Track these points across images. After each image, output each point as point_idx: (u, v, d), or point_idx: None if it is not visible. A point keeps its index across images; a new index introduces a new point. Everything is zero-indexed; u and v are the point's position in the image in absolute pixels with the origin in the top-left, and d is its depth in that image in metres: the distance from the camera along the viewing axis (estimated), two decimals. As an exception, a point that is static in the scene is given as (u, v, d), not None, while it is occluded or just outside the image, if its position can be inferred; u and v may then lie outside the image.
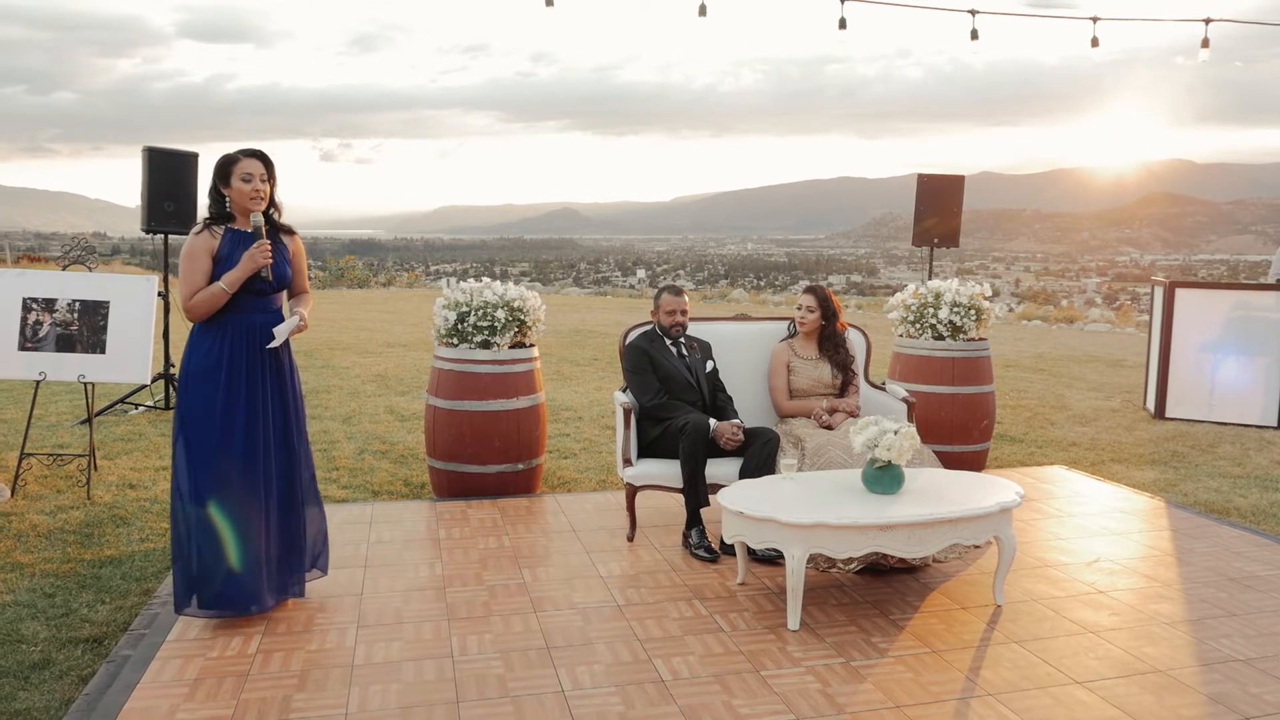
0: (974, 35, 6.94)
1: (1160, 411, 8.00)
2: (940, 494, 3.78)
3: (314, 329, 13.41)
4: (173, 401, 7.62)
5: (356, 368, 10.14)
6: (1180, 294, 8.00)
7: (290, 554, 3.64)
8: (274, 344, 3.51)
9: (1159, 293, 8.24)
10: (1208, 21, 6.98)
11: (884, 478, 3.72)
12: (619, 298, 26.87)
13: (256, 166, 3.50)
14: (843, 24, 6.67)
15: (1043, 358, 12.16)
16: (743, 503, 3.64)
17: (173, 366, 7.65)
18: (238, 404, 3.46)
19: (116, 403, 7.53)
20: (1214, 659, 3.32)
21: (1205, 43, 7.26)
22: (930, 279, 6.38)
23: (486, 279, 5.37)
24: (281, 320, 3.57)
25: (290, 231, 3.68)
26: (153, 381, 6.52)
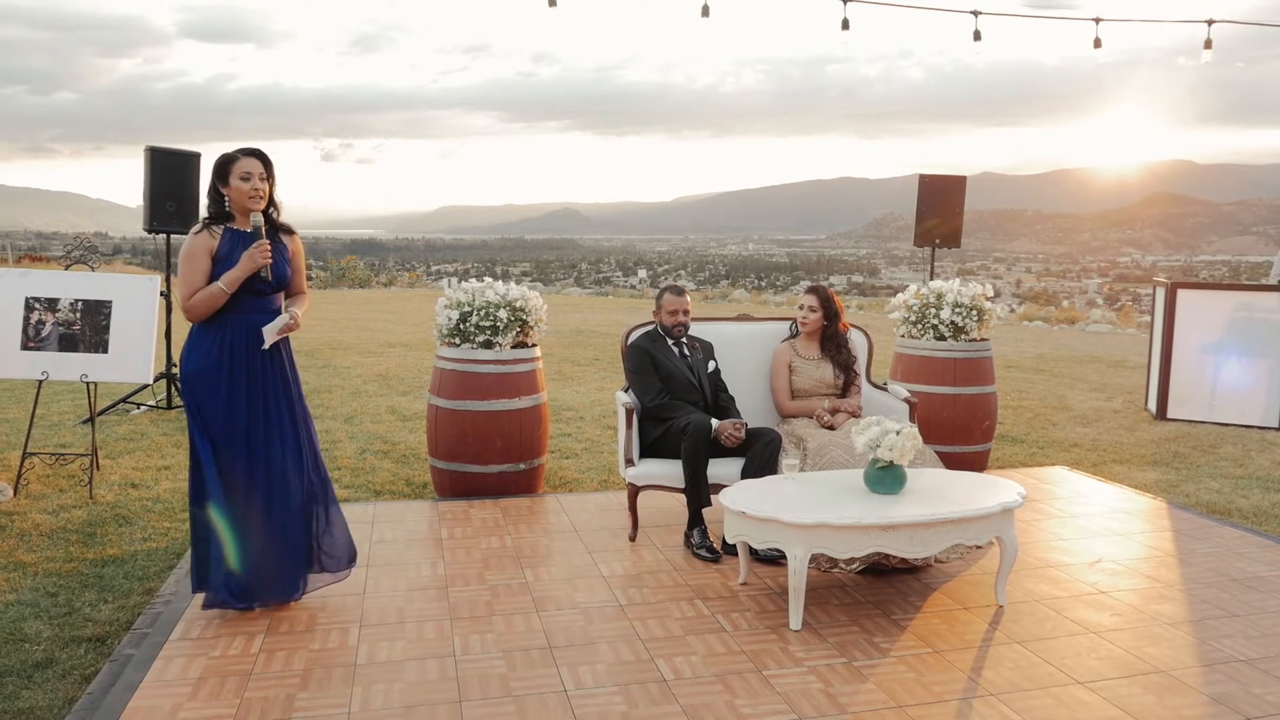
0: (977, 36, 6.93)
1: (1162, 412, 8.00)
2: (942, 494, 3.78)
3: (316, 329, 13.43)
4: (174, 401, 7.63)
5: (358, 367, 10.15)
6: (1182, 295, 8.00)
7: (296, 553, 3.63)
8: (265, 345, 3.50)
9: (1161, 293, 8.24)
10: (1210, 23, 6.97)
11: (886, 478, 3.72)
12: (620, 298, 26.88)
13: (255, 165, 3.49)
14: (845, 25, 6.66)
15: (1044, 358, 12.15)
16: (745, 503, 3.64)
17: (174, 366, 7.65)
18: (239, 404, 3.46)
19: (118, 402, 7.54)
20: (1216, 659, 3.32)
21: (1208, 44, 7.24)
22: (932, 279, 6.38)
23: (489, 279, 5.37)
24: (271, 314, 3.56)
25: (290, 231, 3.68)
26: (154, 381, 6.51)
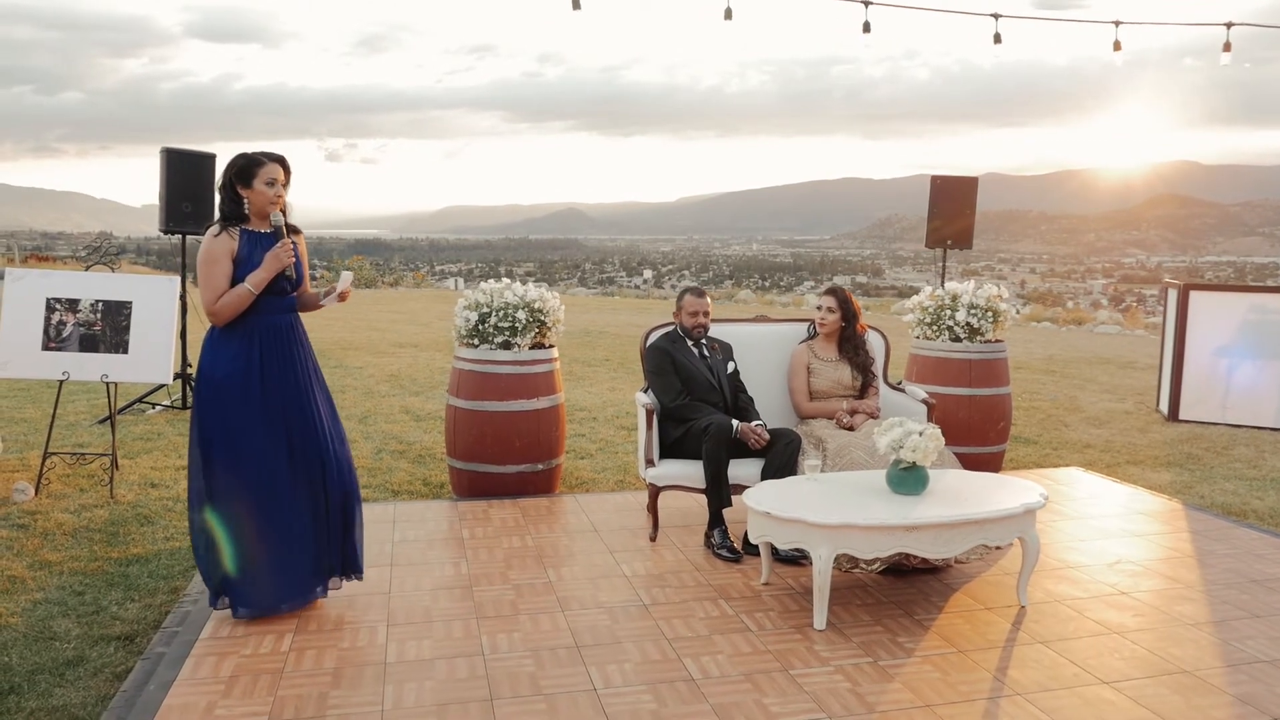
0: (997, 39, 6.91)
1: (1174, 414, 8.01)
2: (964, 495, 3.80)
3: (325, 329, 13.47)
4: (190, 401, 7.64)
5: (370, 367, 10.18)
6: (1194, 296, 8.01)
7: (324, 554, 3.64)
8: (334, 295, 3.67)
9: (1173, 295, 8.25)
10: (1229, 25, 6.96)
11: (909, 479, 3.74)
12: (626, 298, 26.92)
13: (280, 172, 3.52)
14: (866, 28, 6.66)
15: (1053, 360, 12.16)
16: (769, 503, 3.66)
17: (190, 366, 7.68)
18: (273, 405, 3.47)
19: (135, 402, 7.57)
20: (1240, 660, 3.33)
21: (1227, 46, 7.22)
22: (944, 281, 6.40)
23: (506, 280, 5.40)
24: (290, 313, 3.64)
25: (297, 231, 3.70)
26: (172, 381, 6.54)
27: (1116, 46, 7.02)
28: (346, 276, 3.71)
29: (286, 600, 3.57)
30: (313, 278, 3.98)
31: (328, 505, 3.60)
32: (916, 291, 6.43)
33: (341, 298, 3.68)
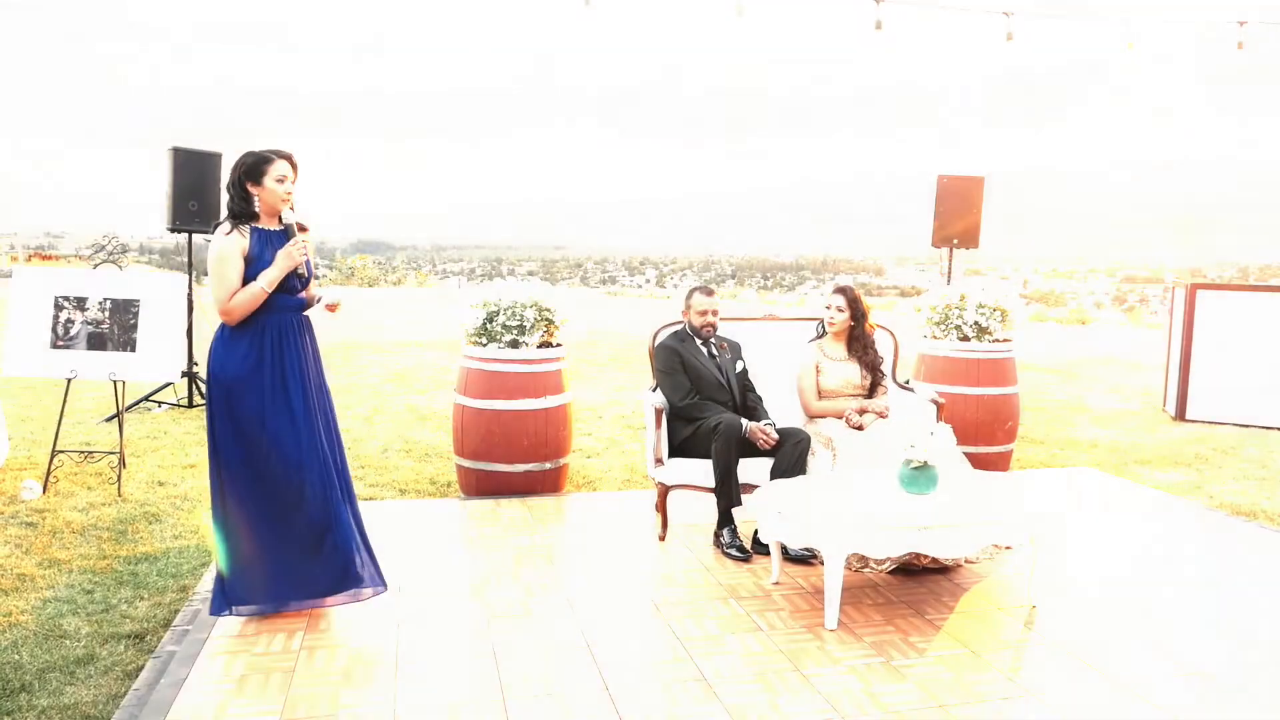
0: (1009, 37, 6.92)
1: (1181, 413, 7.99)
2: (976, 494, 3.79)
3: (329, 327, 13.46)
4: (196, 399, 7.65)
5: (374, 366, 10.18)
6: (1201, 295, 7.99)
7: (335, 552, 3.62)
8: (320, 304, 3.63)
9: (1180, 294, 8.23)
10: (1241, 24, 6.95)
11: (920, 478, 3.73)
12: (628, 297, 26.92)
13: (289, 169, 3.52)
14: (878, 25, 6.66)
15: (1058, 359, 12.14)
16: (781, 502, 3.65)
17: (196, 365, 7.68)
18: (283, 404, 3.47)
19: (140, 400, 7.57)
20: (1254, 660, 3.32)
21: (1240, 45, 7.22)
22: (950, 281, 6.39)
23: (513, 278, 5.39)
24: (299, 311, 3.62)
25: (303, 228, 3.70)
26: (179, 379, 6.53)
27: (1129, 45, 7.00)
28: (334, 290, 3.69)
29: (296, 598, 3.56)
30: (316, 277, 3.98)
31: (343, 503, 3.59)
32: (919, 292, 6.43)
33: (330, 309, 3.65)
